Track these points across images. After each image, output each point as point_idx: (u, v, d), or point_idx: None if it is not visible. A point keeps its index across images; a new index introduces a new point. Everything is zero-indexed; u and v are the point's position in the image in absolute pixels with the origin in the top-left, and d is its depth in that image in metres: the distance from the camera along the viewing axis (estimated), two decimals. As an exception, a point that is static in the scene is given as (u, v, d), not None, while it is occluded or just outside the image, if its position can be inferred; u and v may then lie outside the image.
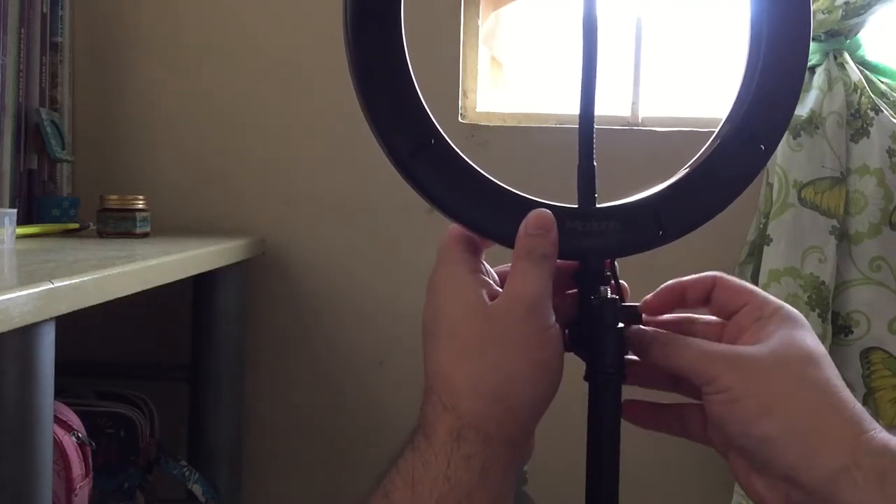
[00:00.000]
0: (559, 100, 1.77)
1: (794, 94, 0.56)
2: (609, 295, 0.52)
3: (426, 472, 0.45)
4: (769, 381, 0.48)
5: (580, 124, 0.57)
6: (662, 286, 0.56)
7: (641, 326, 0.53)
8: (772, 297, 0.53)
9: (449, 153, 0.54)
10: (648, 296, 0.55)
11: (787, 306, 0.52)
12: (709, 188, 0.56)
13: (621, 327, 0.52)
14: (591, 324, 0.52)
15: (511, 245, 0.52)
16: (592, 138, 0.57)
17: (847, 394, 0.48)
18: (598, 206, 0.55)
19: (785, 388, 0.47)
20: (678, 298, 0.55)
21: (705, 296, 0.55)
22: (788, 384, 0.48)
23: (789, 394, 0.47)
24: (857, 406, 0.48)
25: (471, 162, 0.55)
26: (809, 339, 0.50)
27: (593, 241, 0.53)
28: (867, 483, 0.45)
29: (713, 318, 0.55)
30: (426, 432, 0.47)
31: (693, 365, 0.50)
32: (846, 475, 0.45)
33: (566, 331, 0.52)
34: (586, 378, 0.52)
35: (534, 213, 0.52)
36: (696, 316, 0.56)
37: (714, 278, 0.55)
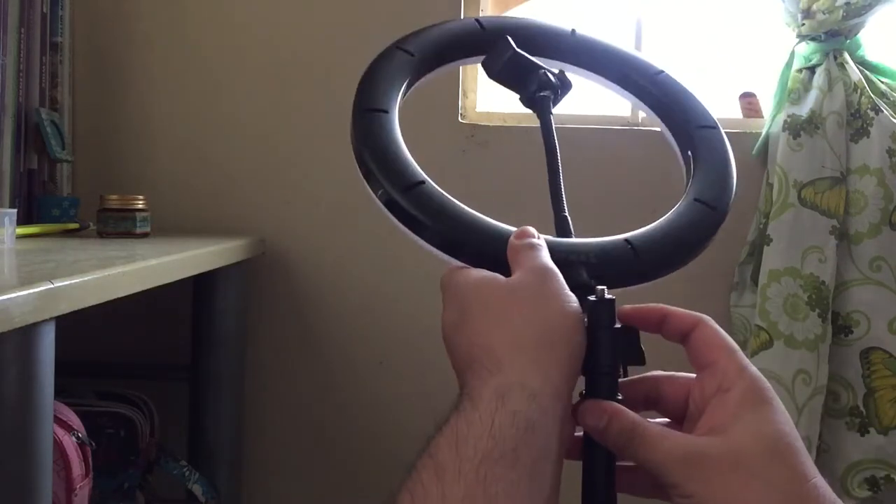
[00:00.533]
0: (579, 100, 1.76)
1: (725, 203, 0.66)
2: (606, 296, 0.52)
3: (470, 431, 0.44)
4: (731, 487, 0.46)
5: (553, 201, 0.64)
6: (647, 305, 0.55)
7: (598, 405, 0.51)
8: (738, 363, 0.51)
9: (436, 194, 0.60)
10: (627, 307, 0.55)
11: (751, 376, 0.50)
12: (679, 227, 0.62)
13: (618, 328, 0.52)
14: (588, 323, 0.52)
15: (498, 266, 0.55)
16: (562, 202, 0.64)
17: (813, 482, 0.47)
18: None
19: (748, 493, 0.46)
20: (656, 323, 0.55)
21: (683, 334, 0.54)
22: (751, 487, 0.46)
23: (753, 498, 0.46)
24: (823, 493, 0.47)
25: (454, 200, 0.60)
26: (771, 420, 0.48)
27: (574, 257, 0.56)
28: None
29: (682, 375, 0.54)
30: (471, 396, 0.47)
31: (656, 466, 0.48)
32: None
33: None
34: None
35: (518, 229, 0.56)
36: (668, 375, 0.55)
37: (696, 322, 0.53)
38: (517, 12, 1.82)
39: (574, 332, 0.50)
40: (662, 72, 0.71)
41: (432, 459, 0.44)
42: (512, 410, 0.45)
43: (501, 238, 0.56)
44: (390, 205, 0.59)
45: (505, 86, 0.68)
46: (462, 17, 1.69)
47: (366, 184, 0.61)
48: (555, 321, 0.50)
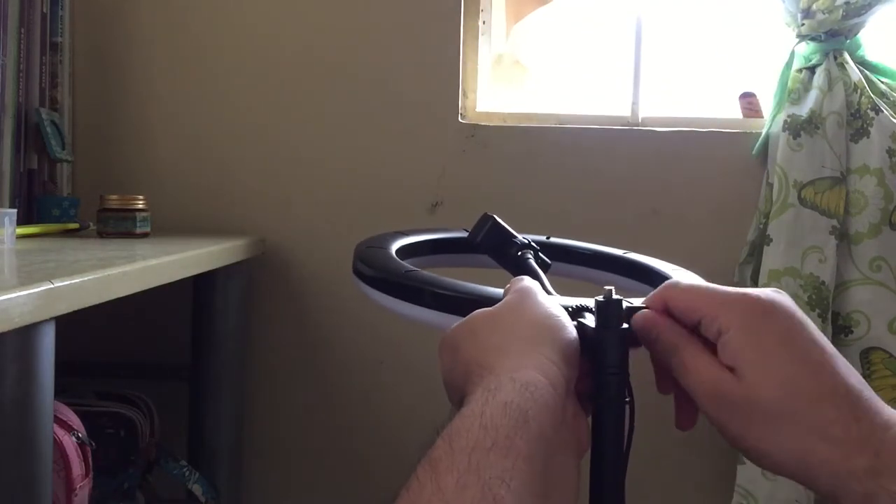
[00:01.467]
0: (579, 100, 1.77)
1: None
2: (613, 296, 0.53)
3: (462, 425, 0.44)
4: (757, 430, 0.48)
5: None
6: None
7: (652, 315, 0.53)
8: (717, 303, 0.51)
9: (428, 273, 0.70)
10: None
11: (737, 310, 0.50)
12: None
13: (625, 328, 0.53)
14: (596, 323, 0.53)
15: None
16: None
17: (844, 373, 0.49)
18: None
19: (778, 437, 0.48)
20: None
21: (662, 305, 0.54)
22: (781, 432, 0.48)
23: (786, 441, 0.48)
24: (855, 380, 0.50)
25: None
26: (780, 359, 0.49)
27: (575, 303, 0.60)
28: None
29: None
30: (467, 399, 0.48)
31: (690, 392, 0.51)
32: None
33: None
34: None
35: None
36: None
37: (662, 298, 0.54)
38: (540, 16, 1.83)
39: (558, 329, 0.52)
40: (627, 252, 0.86)
41: (428, 459, 0.44)
42: (503, 401, 0.45)
43: (493, 292, 0.62)
44: (391, 286, 0.68)
45: (488, 254, 0.77)
46: (462, 16, 1.69)
47: (368, 286, 0.71)
48: (537, 323, 0.52)
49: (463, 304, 0.61)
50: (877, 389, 1.68)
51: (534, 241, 0.77)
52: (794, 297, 1.53)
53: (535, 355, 0.49)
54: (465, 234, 0.81)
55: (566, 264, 0.86)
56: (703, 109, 1.75)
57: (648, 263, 0.82)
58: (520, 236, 0.76)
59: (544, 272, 0.72)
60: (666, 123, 1.68)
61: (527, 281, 0.58)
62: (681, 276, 0.76)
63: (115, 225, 1.46)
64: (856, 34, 1.58)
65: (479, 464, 0.42)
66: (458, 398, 0.50)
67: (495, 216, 0.77)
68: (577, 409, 0.50)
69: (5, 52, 1.49)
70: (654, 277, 0.79)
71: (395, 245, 0.80)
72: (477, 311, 0.55)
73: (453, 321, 0.57)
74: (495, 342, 0.51)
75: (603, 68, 1.81)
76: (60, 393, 1.06)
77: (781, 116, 1.57)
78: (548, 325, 0.52)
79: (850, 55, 1.58)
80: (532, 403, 0.46)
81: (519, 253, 0.75)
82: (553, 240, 0.87)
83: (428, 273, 0.69)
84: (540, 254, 0.76)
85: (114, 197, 1.47)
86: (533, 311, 0.53)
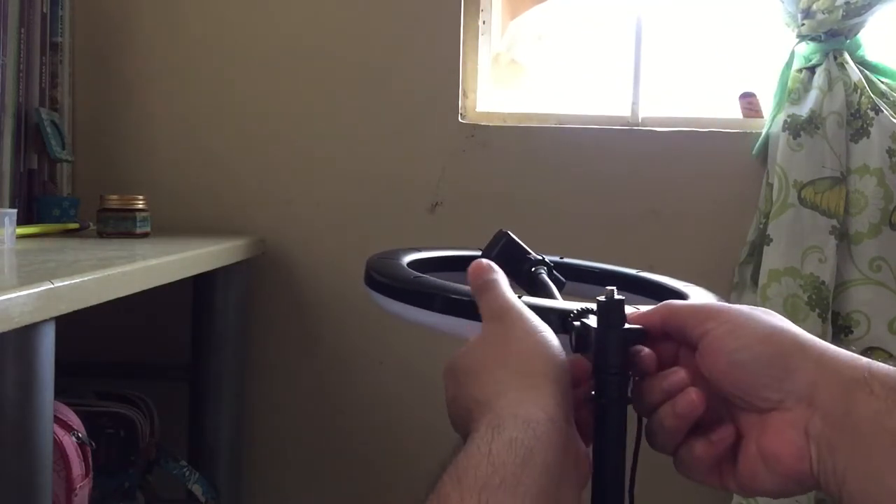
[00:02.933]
0: (579, 100, 1.77)
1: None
2: (616, 296, 0.53)
3: (469, 462, 0.45)
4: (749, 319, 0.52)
5: None
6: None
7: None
8: (699, 315, 0.53)
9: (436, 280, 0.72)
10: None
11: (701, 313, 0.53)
12: None
13: (627, 328, 0.53)
14: (598, 323, 0.53)
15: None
16: None
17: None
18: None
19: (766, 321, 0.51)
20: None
21: (660, 325, 0.55)
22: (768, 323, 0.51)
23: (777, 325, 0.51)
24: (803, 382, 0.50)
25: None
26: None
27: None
28: (884, 391, 0.46)
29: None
30: (472, 435, 0.49)
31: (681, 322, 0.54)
32: (863, 385, 0.46)
33: (572, 333, 0.55)
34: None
35: (470, 266, 0.61)
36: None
37: (662, 315, 0.55)
38: (529, 15, 1.82)
39: (550, 361, 0.52)
40: (640, 271, 0.88)
41: (436, 495, 0.45)
42: (508, 438, 0.46)
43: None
44: (400, 292, 0.69)
45: (502, 270, 0.80)
46: (462, 16, 1.69)
47: (378, 293, 0.72)
48: (529, 357, 0.52)
49: (472, 307, 0.61)
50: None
51: (548, 260, 0.78)
52: (794, 296, 1.53)
53: (532, 391, 0.50)
54: (478, 252, 0.82)
55: (580, 283, 0.87)
56: (703, 109, 1.75)
57: (662, 282, 0.83)
58: (534, 253, 0.77)
59: (559, 290, 0.73)
60: (666, 123, 1.68)
61: (501, 296, 0.58)
62: (694, 292, 0.76)
63: (115, 225, 1.46)
64: (856, 34, 1.58)
65: (488, 502, 0.43)
66: (464, 431, 0.51)
67: (510, 232, 0.78)
68: (577, 439, 0.51)
69: (5, 52, 1.49)
70: (668, 296, 0.78)
71: (407, 258, 0.81)
72: (469, 346, 0.56)
73: (462, 325, 0.57)
74: (495, 378, 0.52)
75: (603, 68, 1.80)
76: (60, 393, 1.06)
77: (781, 116, 1.57)
78: (540, 363, 0.52)
79: (850, 55, 1.58)
80: (535, 441, 0.47)
81: (532, 269, 0.75)
82: (567, 260, 0.88)
83: (436, 279, 0.70)
84: (554, 272, 0.76)
85: (114, 197, 1.47)
86: (524, 344, 0.54)
